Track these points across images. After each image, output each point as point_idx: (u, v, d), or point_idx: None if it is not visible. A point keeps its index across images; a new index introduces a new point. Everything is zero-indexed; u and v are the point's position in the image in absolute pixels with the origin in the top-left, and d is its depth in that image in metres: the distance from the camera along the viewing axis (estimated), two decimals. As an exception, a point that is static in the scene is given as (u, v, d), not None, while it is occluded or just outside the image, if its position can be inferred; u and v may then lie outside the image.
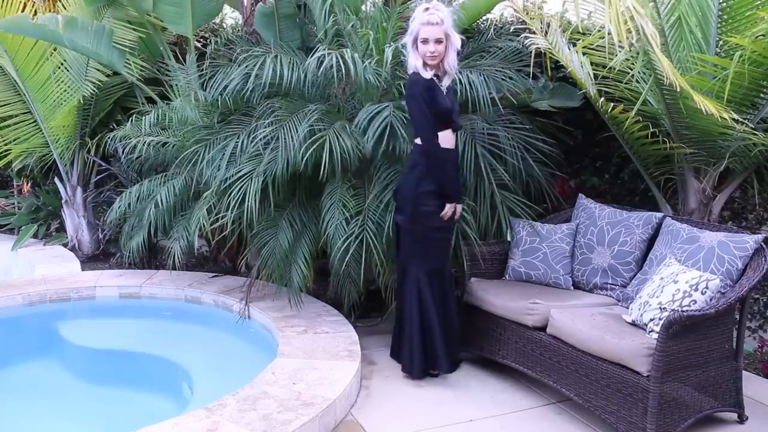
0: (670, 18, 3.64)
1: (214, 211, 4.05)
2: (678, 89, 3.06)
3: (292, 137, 3.74)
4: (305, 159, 3.71)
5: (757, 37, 3.16)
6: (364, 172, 3.97)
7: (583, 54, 3.74)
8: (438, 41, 3.29)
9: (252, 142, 3.91)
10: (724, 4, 3.50)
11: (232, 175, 3.87)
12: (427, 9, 3.31)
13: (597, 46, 3.58)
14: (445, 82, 3.41)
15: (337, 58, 3.72)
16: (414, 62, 3.37)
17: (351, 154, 3.69)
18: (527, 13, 3.79)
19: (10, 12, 5.28)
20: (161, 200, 4.41)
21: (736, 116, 3.09)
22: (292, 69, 3.95)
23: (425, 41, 3.30)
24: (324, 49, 3.80)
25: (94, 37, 5.04)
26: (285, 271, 3.93)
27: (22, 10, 5.38)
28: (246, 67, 4.06)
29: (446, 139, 3.39)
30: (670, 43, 3.67)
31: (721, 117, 3.04)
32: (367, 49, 4.01)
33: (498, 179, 3.94)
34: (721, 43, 3.57)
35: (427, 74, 3.34)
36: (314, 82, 4.06)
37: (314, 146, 3.68)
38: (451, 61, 3.36)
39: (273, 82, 3.97)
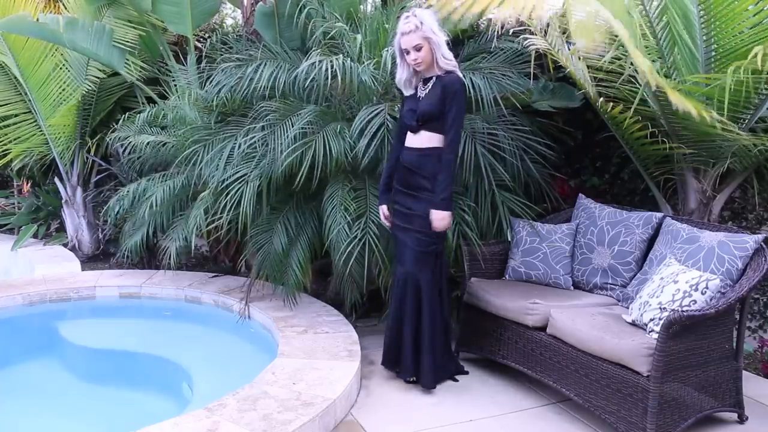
0: (660, 20, 3.63)
1: (211, 211, 4.05)
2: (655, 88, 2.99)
3: (282, 139, 3.74)
4: (290, 163, 3.69)
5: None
6: (364, 173, 3.97)
7: (579, 58, 3.74)
8: (417, 48, 3.25)
9: (247, 144, 3.91)
10: (701, 6, 3.47)
11: (229, 177, 3.87)
12: (406, 17, 3.28)
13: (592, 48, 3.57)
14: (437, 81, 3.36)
15: (328, 64, 3.70)
16: (399, 75, 3.40)
17: (340, 157, 3.69)
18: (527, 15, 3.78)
19: (12, 10, 5.29)
20: (156, 200, 4.40)
21: (717, 116, 3.05)
22: (276, 77, 3.94)
23: (406, 51, 3.30)
24: (317, 54, 3.78)
25: (94, 38, 5.05)
26: (279, 274, 3.94)
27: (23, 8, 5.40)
28: (228, 75, 4.09)
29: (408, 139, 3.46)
30: (662, 45, 3.67)
31: (701, 116, 3.00)
32: (361, 52, 4.01)
33: (498, 179, 3.94)
34: (709, 39, 3.54)
35: (408, 91, 3.43)
36: (306, 86, 4.04)
37: (297, 153, 3.67)
38: (441, 62, 3.28)
39: (259, 85, 3.98)
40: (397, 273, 3.47)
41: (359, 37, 3.98)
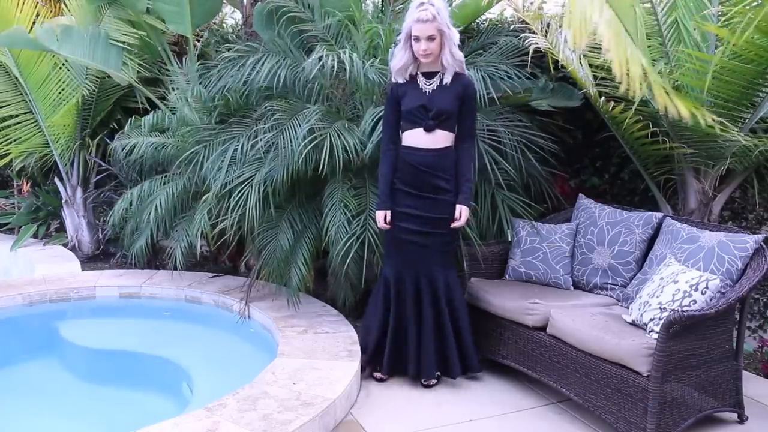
0: (667, 18, 3.64)
1: (215, 213, 4.05)
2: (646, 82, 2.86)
3: (291, 141, 3.72)
4: (306, 160, 3.69)
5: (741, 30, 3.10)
6: (364, 171, 3.97)
7: (581, 56, 3.74)
8: (430, 38, 3.17)
9: (252, 146, 3.89)
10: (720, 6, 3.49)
11: (232, 180, 3.86)
12: (421, 4, 3.18)
13: (594, 47, 3.58)
14: (446, 79, 3.28)
15: (334, 58, 3.69)
16: (398, 61, 3.29)
17: (353, 151, 3.68)
18: (526, 12, 3.79)
19: (11, 8, 5.29)
20: (161, 204, 4.40)
21: (710, 118, 3.00)
22: (276, 73, 3.93)
23: (417, 39, 3.20)
24: (323, 50, 3.77)
25: (90, 43, 5.06)
26: (285, 272, 3.93)
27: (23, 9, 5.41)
28: (233, 68, 4.08)
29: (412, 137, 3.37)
30: (667, 43, 3.67)
31: (694, 117, 2.97)
32: (368, 49, 4.00)
33: (501, 177, 3.93)
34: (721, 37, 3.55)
35: (400, 79, 3.34)
36: (307, 83, 4.03)
37: (312, 144, 3.66)
38: (448, 57, 3.23)
39: (258, 80, 3.97)
40: (386, 273, 3.48)
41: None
